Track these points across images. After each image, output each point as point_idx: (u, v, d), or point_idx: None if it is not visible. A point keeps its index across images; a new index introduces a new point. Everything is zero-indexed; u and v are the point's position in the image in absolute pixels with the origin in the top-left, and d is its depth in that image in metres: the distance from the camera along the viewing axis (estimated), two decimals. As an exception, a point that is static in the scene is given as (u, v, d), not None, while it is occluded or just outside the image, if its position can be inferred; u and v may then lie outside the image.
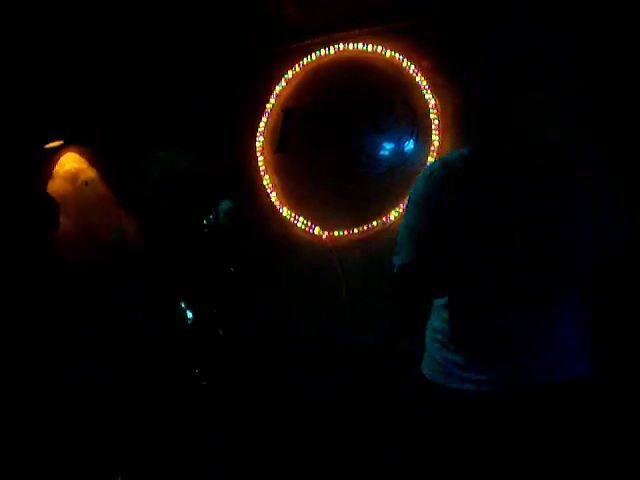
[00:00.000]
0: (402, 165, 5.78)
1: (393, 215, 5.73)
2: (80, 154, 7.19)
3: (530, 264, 3.11)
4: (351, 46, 6.05)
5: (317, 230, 6.08)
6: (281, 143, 6.34)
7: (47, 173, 7.22)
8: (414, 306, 3.67)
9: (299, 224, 6.14)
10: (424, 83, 5.79)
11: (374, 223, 5.85)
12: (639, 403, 4.62)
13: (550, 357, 3.14)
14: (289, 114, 6.33)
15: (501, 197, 3.18)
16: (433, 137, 5.69)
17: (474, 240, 3.15)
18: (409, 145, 5.76)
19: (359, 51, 6.04)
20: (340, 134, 6.06)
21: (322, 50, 6.16)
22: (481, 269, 3.18)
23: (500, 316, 3.17)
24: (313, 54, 6.21)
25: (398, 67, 5.91)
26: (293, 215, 6.17)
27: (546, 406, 3.13)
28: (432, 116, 5.72)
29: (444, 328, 3.37)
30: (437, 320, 3.42)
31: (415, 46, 5.85)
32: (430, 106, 5.74)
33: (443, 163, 3.43)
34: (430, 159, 5.63)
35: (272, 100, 6.37)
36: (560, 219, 3.15)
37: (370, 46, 5.96)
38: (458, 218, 3.18)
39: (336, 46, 6.11)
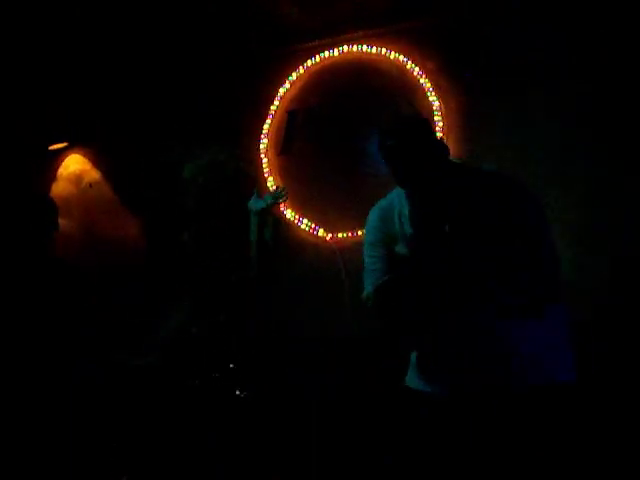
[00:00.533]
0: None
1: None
2: (84, 156, 7.20)
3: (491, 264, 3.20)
4: (355, 48, 6.06)
5: (321, 232, 6.08)
6: (285, 145, 6.34)
7: (51, 175, 7.24)
8: (395, 326, 3.76)
9: (303, 226, 6.13)
10: (428, 85, 5.80)
11: (378, 225, 5.84)
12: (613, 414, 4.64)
13: (515, 362, 3.16)
14: (293, 116, 6.33)
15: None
16: (437, 138, 5.70)
17: (431, 242, 3.32)
18: (413, 147, 5.76)
19: (363, 53, 6.04)
20: (344, 136, 6.07)
21: (326, 52, 6.17)
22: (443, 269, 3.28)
23: (457, 321, 3.26)
24: (317, 56, 6.21)
25: (402, 69, 5.92)
26: (297, 217, 6.16)
27: (505, 411, 3.17)
28: (436, 118, 5.71)
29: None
30: None
31: (419, 48, 5.86)
32: (434, 108, 5.74)
33: (385, 199, 3.71)
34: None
35: (276, 102, 6.36)
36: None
37: (374, 48, 5.97)
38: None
39: (340, 48, 6.11)
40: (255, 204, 4.84)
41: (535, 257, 3.20)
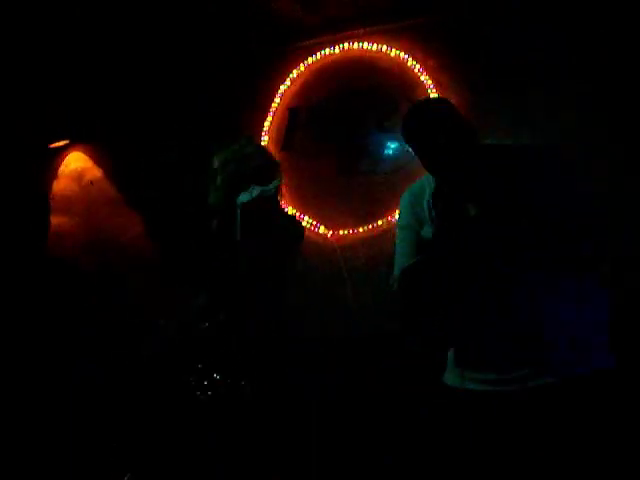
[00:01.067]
0: (407, 164, 5.74)
1: (398, 214, 5.72)
2: (85, 153, 7.19)
3: (532, 245, 3.13)
4: (355, 45, 6.07)
5: (322, 229, 6.09)
6: (286, 142, 6.34)
7: (52, 173, 7.24)
8: (418, 311, 3.72)
9: (304, 223, 6.09)
10: (429, 82, 5.80)
11: (379, 222, 5.85)
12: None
13: (555, 350, 3.06)
14: (294, 113, 6.34)
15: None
16: (438, 135, 5.68)
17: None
18: (414, 144, 5.75)
19: (363, 50, 6.05)
20: (345, 133, 6.07)
21: (327, 49, 6.18)
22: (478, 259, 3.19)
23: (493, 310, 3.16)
24: (318, 53, 6.22)
25: (403, 66, 5.93)
26: (298, 214, 6.17)
27: (545, 407, 3.09)
28: (437, 115, 5.71)
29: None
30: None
31: (420, 45, 5.86)
32: (435, 105, 5.73)
33: (417, 183, 3.63)
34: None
35: (277, 99, 6.37)
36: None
37: (374, 45, 5.97)
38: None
39: (340, 45, 6.12)
40: (242, 197, 4.80)
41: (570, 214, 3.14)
